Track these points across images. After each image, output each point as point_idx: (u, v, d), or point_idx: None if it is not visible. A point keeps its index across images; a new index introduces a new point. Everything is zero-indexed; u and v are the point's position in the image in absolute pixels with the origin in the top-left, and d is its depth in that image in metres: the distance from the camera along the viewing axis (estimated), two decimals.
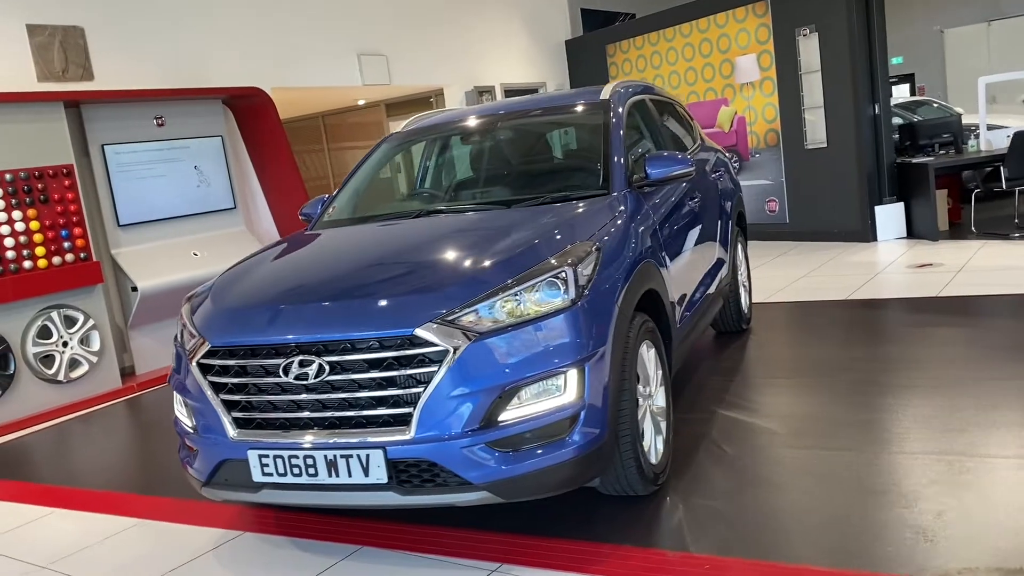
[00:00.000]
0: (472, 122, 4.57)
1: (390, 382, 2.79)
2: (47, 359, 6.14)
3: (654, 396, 3.44)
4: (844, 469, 3.37)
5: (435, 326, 2.76)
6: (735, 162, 10.06)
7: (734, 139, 10.23)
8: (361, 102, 11.50)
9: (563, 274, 2.92)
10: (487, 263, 3.00)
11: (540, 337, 2.83)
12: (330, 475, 2.84)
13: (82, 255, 6.33)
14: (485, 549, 3.11)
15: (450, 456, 2.75)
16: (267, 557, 3.34)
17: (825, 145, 9.22)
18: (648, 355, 3.43)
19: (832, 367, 4.77)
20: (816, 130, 9.29)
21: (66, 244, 6.25)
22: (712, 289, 4.77)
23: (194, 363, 3.09)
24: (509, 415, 2.78)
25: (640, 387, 3.31)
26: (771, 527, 3.02)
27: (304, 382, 2.85)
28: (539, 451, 2.81)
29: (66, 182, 6.27)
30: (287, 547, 3.40)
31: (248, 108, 7.82)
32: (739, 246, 5.70)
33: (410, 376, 2.77)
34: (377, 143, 4.63)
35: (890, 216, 8.95)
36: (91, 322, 6.33)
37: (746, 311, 5.74)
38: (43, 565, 3.56)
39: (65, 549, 3.69)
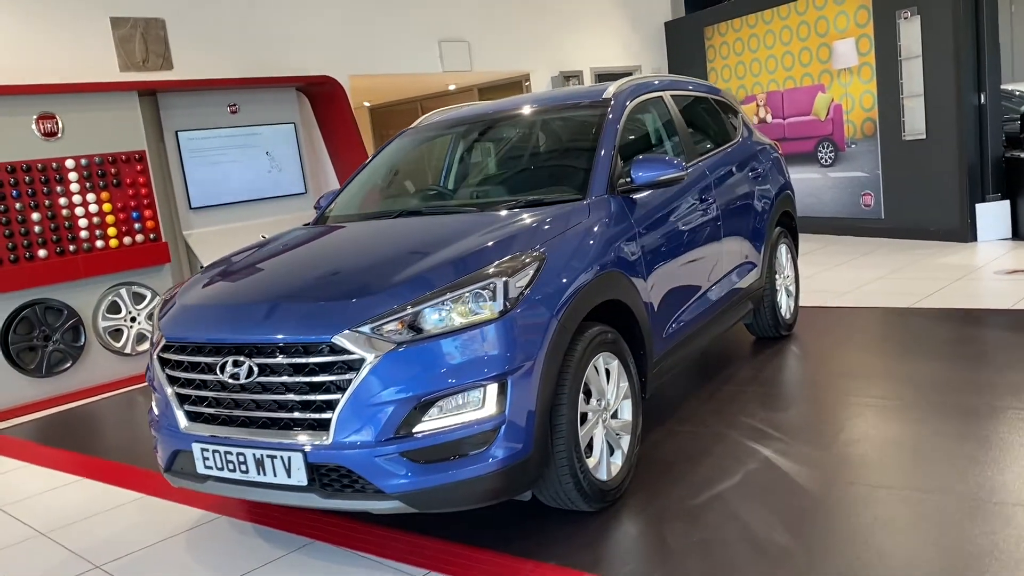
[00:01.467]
0: (474, 122, 4.54)
1: (313, 387, 2.84)
2: (116, 333, 6.57)
3: (613, 410, 3.34)
4: (835, 507, 3.18)
5: (353, 334, 2.78)
6: (830, 152, 9.58)
7: (830, 128, 9.70)
8: (452, 87, 11.60)
9: (491, 285, 2.88)
10: (416, 271, 2.99)
11: (460, 349, 2.80)
12: (258, 473, 2.93)
13: (151, 236, 6.73)
14: (420, 554, 3.13)
15: (364, 464, 2.77)
16: (229, 542, 3.48)
17: (924, 136, 8.60)
18: (612, 366, 3.34)
19: (853, 384, 4.48)
20: (915, 120, 8.67)
21: (136, 225, 6.65)
22: (729, 294, 4.57)
23: (154, 356, 3.24)
24: (425, 426, 2.78)
25: (593, 401, 3.24)
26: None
27: (238, 381, 2.94)
28: (455, 464, 2.79)
29: (138, 167, 6.66)
30: (250, 534, 3.53)
31: (322, 95, 8.05)
32: (783, 247, 5.42)
33: (331, 382, 2.81)
34: (389, 140, 4.67)
35: (993, 215, 8.28)
36: (158, 299, 6.72)
37: (787, 316, 5.46)
38: (43, 532, 3.84)
39: (69, 517, 3.97)
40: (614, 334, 3.35)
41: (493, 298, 2.87)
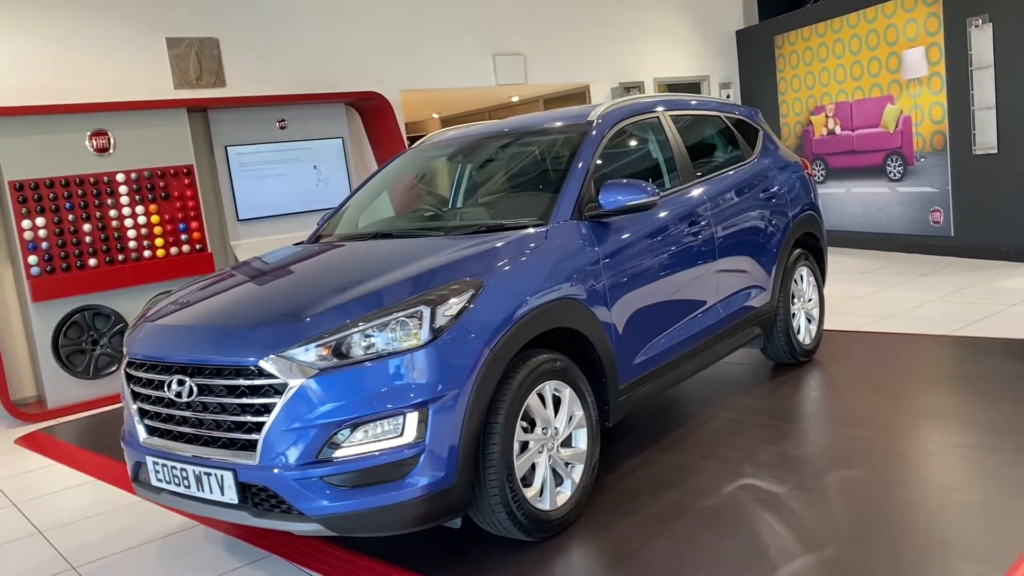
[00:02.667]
0: (463, 144, 4.56)
1: (243, 409, 2.93)
2: None
3: (562, 439, 3.31)
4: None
5: (278, 359, 2.85)
6: (899, 166, 9.18)
7: (899, 141, 9.29)
8: (515, 99, 11.66)
9: (417, 314, 2.90)
10: (347, 297, 3.03)
11: (381, 377, 2.83)
12: (198, 489, 3.03)
13: (197, 247, 7.03)
14: (357, 575, 3.17)
15: (286, 486, 2.84)
16: (194, 551, 3.62)
17: (995, 151, 8.13)
18: (563, 394, 3.32)
19: (858, 419, 4.28)
20: (986, 133, 8.21)
21: (183, 236, 6.97)
22: (728, 318, 4.45)
23: (122, 370, 3.41)
24: (344, 452, 2.82)
25: (538, 430, 3.21)
26: None
27: (181, 399, 3.06)
28: (374, 490, 2.82)
29: (186, 180, 6.98)
30: (217, 544, 3.66)
31: (371, 110, 8.23)
32: (803, 270, 5.23)
33: (259, 405, 2.89)
34: (390, 159, 4.75)
35: None
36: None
37: (807, 342, 5.26)
38: (40, 530, 4.08)
39: (69, 517, 4.20)
40: (564, 362, 3.31)
41: (419, 327, 2.88)
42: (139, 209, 6.77)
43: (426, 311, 2.91)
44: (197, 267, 7.00)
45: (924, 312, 6.39)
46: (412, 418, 2.83)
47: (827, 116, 10.28)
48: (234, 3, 7.64)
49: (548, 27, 9.81)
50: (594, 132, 3.97)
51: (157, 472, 3.18)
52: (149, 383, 3.22)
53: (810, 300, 5.37)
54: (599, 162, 4.04)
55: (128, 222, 6.72)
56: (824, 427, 4.23)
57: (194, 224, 7.03)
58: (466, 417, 2.90)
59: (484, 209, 4.13)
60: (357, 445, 2.82)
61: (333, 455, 2.82)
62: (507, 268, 3.23)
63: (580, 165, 3.80)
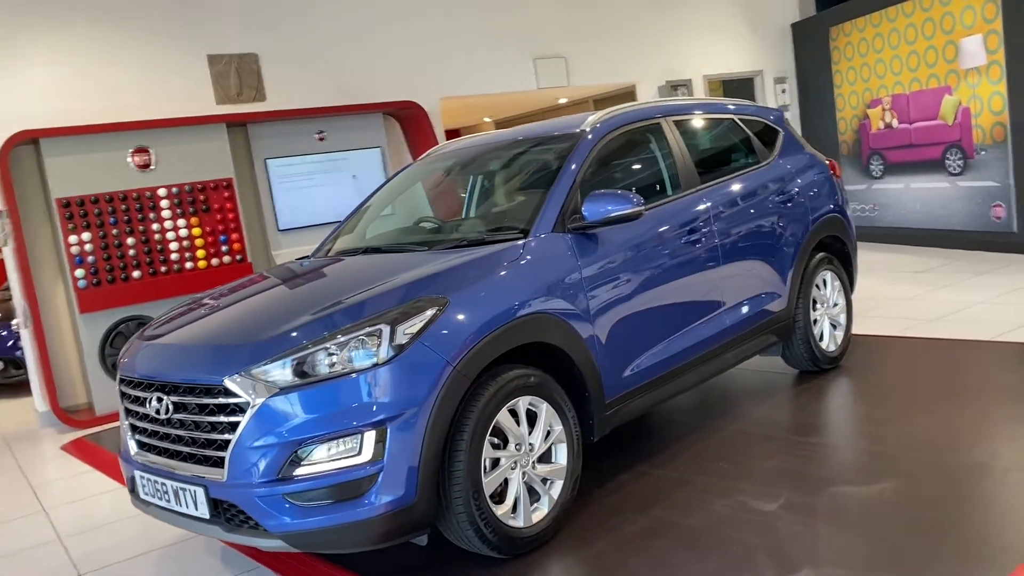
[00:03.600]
0: (459, 157, 4.57)
1: (213, 426, 3.00)
2: None
3: (538, 454, 3.28)
4: None
5: (241, 378, 2.91)
6: (959, 160, 8.79)
7: (958, 133, 8.88)
8: (563, 100, 11.62)
9: (377, 332, 2.92)
10: (312, 317, 3.07)
11: (339, 396, 2.86)
12: (177, 504, 3.13)
13: (238, 257, 7.24)
14: None
15: (250, 503, 2.90)
16: (192, 561, 3.73)
17: None
18: (540, 409, 3.29)
19: (872, 435, 4.12)
20: None
21: (224, 247, 7.18)
22: (736, 327, 4.34)
23: (117, 387, 3.53)
24: (304, 470, 2.86)
25: (511, 446, 3.20)
26: None
27: (160, 416, 3.16)
28: (334, 508, 2.86)
29: (225, 193, 7.19)
30: (215, 554, 3.76)
31: (410, 119, 8.32)
32: (827, 275, 5.06)
33: (227, 423, 2.96)
34: (396, 172, 4.80)
35: None
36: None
37: (831, 349, 5.08)
38: (61, 536, 4.26)
39: (90, 524, 4.38)
40: (540, 377, 3.29)
41: (378, 345, 2.91)
42: (180, 222, 7.00)
43: (386, 329, 2.92)
44: (238, 277, 7.13)
45: (974, 314, 6.09)
46: (370, 437, 2.85)
47: (883, 109, 9.91)
48: (273, 19, 7.83)
49: (590, 28, 9.73)
50: (583, 142, 3.92)
51: (144, 486, 3.29)
52: (136, 400, 3.33)
53: (835, 305, 5.18)
54: (592, 172, 4.00)
55: (170, 235, 6.96)
56: (835, 441, 4.08)
57: (234, 235, 7.23)
58: (427, 435, 2.91)
59: (471, 222, 4.12)
60: (317, 463, 2.86)
61: (294, 473, 2.86)
62: (476, 285, 3.22)
63: (565, 176, 3.77)
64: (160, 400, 3.15)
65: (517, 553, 3.20)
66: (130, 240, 6.79)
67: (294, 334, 2.99)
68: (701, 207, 4.24)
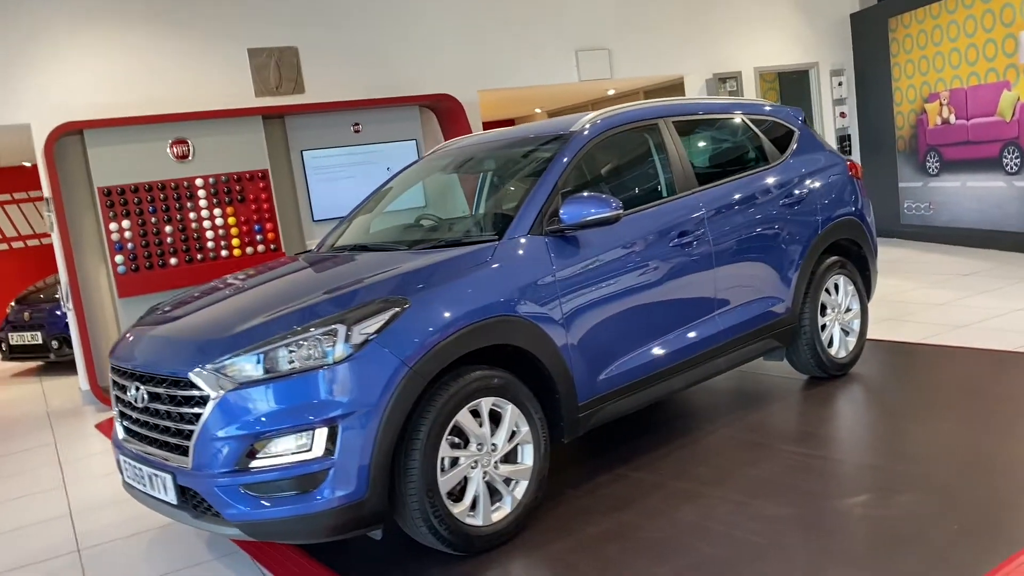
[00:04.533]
0: (458, 156, 4.60)
1: (181, 417, 3.13)
2: None
3: (502, 455, 3.32)
4: None
5: (203, 371, 3.03)
6: (1016, 158, 8.44)
7: (1016, 130, 8.52)
8: (611, 92, 11.53)
9: (334, 331, 3.00)
10: (277, 314, 3.16)
11: (294, 393, 2.95)
12: (151, 488, 3.28)
13: (272, 246, 7.44)
14: None
15: (211, 492, 3.01)
16: (179, 542, 3.87)
17: None
18: (505, 410, 3.33)
19: (864, 446, 4.02)
20: None
21: (258, 237, 7.40)
22: (731, 330, 4.29)
23: (110, 376, 3.71)
24: (260, 463, 2.96)
25: (472, 446, 3.24)
26: None
27: (138, 404, 3.31)
28: (286, 500, 2.96)
29: (261, 184, 7.39)
30: (202, 536, 3.89)
31: (445, 111, 8.39)
32: (840, 279, 4.94)
33: (192, 414, 3.08)
34: (400, 170, 4.87)
35: None
36: None
37: (841, 356, 4.95)
38: (73, 512, 4.49)
39: (101, 502, 4.59)
40: (504, 378, 3.32)
41: (333, 344, 2.98)
42: (216, 211, 7.24)
43: (341, 329, 3.00)
44: None
45: (1004, 323, 5.86)
46: (321, 433, 2.93)
47: (941, 104, 9.55)
48: (313, 12, 7.98)
49: (635, 18, 9.62)
50: (569, 145, 3.92)
51: (126, 470, 3.45)
52: (121, 387, 3.49)
53: (849, 311, 5.06)
54: (580, 174, 4.00)
55: (206, 224, 7.20)
56: (823, 451, 3.97)
57: (268, 225, 7.43)
58: (379, 434, 2.98)
59: (462, 221, 4.16)
60: (271, 456, 2.96)
61: (250, 464, 2.96)
62: (439, 286, 3.26)
63: (547, 179, 3.77)
64: (137, 388, 3.30)
65: (474, 551, 3.24)
66: (168, 228, 7.05)
67: (256, 331, 3.09)
68: (694, 210, 4.19)
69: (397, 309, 3.10)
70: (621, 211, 3.65)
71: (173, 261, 7.08)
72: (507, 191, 4.28)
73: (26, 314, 8.95)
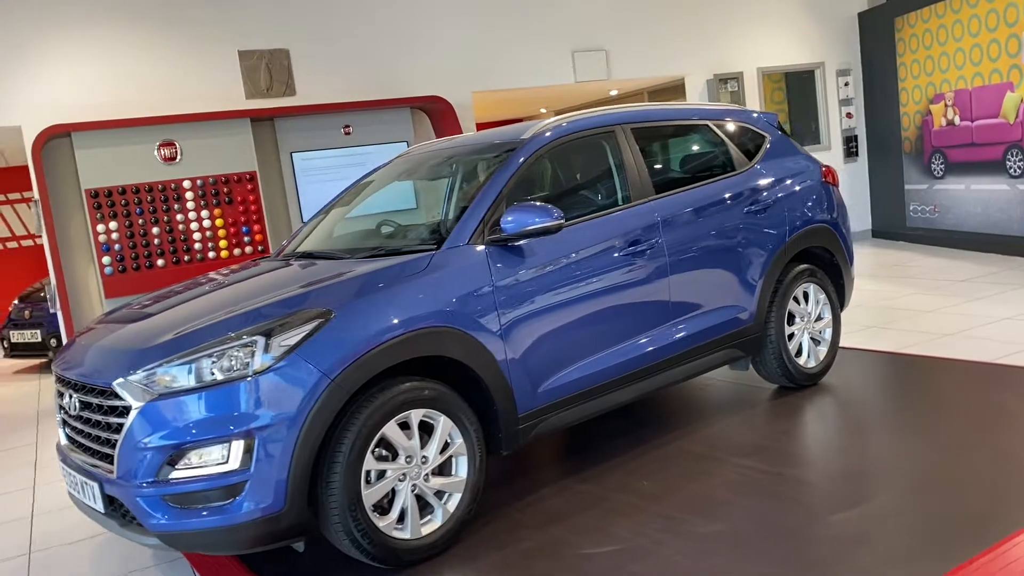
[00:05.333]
0: (415, 163, 4.58)
1: (107, 426, 3.14)
2: None
3: (432, 467, 3.29)
4: None
5: (126, 382, 3.04)
6: (1020, 161, 8.27)
7: (1020, 133, 8.34)
8: (613, 92, 11.45)
9: (252, 343, 2.99)
10: (200, 324, 3.15)
11: (211, 405, 2.94)
12: (83, 495, 3.30)
13: (260, 248, 7.48)
14: None
15: (132, 501, 3.02)
16: (126, 547, 3.90)
17: None
18: (437, 421, 3.30)
19: (817, 462, 3.94)
20: None
21: (246, 238, 7.44)
22: (688, 339, 4.23)
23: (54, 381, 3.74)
24: (178, 474, 2.96)
25: (401, 459, 3.22)
26: None
27: (72, 412, 3.33)
28: (204, 512, 2.96)
29: (248, 186, 7.43)
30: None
31: (437, 113, 8.38)
32: (810, 288, 4.86)
33: (116, 424, 3.09)
34: (363, 176, 4.86)
35: None
36: None
37: (810, 366, 4.87)
38: (36, 513, 4.53)
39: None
40: (435, 390, 3.30)
41: (251, 357, 2.98)
42: (204, 213, 7.29)
43: (260, 341, 2.99)
44: None
45: (989, 332, 5.73)
46: (237, 446, 2.93)
47: (946, 105, 9.37)
48: (304, 14, 8.01)
49: (634, 18, 9.54)
50: (516, 153, 3.88)
51: (64, 477, 3.47)
52: (60, 394, 3.52)
53: (821, 319, 4.97)
54: (528, 183, 3.96)
55: (194, 225, 7.26)
56: (775, 465, 3.87)
57: (256, 227, 7.47)
58: (297, 447, 2.97)
59: (411, 229, 4.14)
60: (190, 468, 2.96)
61: (169, 476, 2.97)
62: (366, 297, 3.25)
63: (491, 187, 3.74)
64: (71, 396, 3.32)
65: (400, 564, 3.22)
66: (155, 230, 7.12)
67: (178, 342, 3.08)
68: (647, 218, 4.14)
69: (320, 321, 3.09)
70: (563, 221, 3.62)
71: (160, 262, 7.14)
72: (456, 199, 4.26)
73: (27, 312, 9.09)
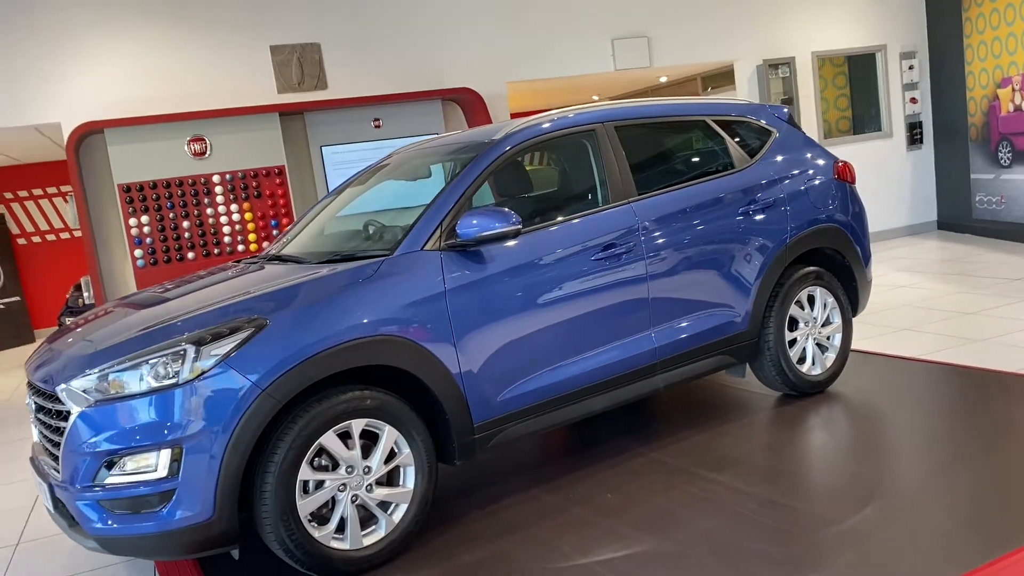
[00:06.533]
0: (399, 162, 4.51)
1: (56, 429, 3.20)
2: None
3: (376, 477, 3.25)
4: None
5: (67, 388, 3.08)
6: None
7: None
8: (663, 79, 11.16)
9: (182, 352, 2.99)
10: (139, 332, 3.17)
11: (141, 413, 2.96)
12: (41, 495, 3.38)
13: None
14: None
15: (73, 505, 3.08)
16: None
17: None
18: (382, 431, 3.26)
19: (798, 479, 3.74)
20: None
21: (275, 232, 7.54)
22: (671, 346, 4.08)
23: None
24: (113, 479, 3.00)
25: (342, 469, 3.19)
26: None
27: (32, 414, 3.42)
28: (136, 518, 2.99)
29: (277, 180, 7.52)
30: None
31: (469, 104, 8.31)
32: (816, 291, 4.62)
33: (62, 427, 3.15)
34: (351, 176, 4.84)
35: None
36: None
37: (815, 373, 4.63)
38: (37, 504, 4.70)
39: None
40: (379, 399, 3.25)
41: (181, 365, 2.98)
42: (233, 207, 7.42)
43: (190, 350, 2.99)
44: None
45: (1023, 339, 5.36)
46: (165, 454, 2.94)
47: (1014, 89, 8.80)
48: (336, 7, 8.03)
49: (677, 2, 9.25)
50: (481, 157, 3.79)
51: (32, 475, 3.57)
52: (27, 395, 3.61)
53: (830, 324, 4.72)
54: (502, 185, 3.87)
55: (223, 219, 7.39)
56: (747, 483, 3.62)
57: (285, 220, 7.56)
58: (225, 457, 2.96)
59: (387, 231, 4.08)
60: (123, 474, 2.99)
61: (105, 481, 3.01)
62: (308, 305, 3.21)
63: (452, 191, 3.66)
64: (29, 398, 3.41)
65: (337, 574, 3.19)
66: (185, 223, 7.28)
67: (118, 349, 3.11)
68: (625, 221, 3.98)
69: (252, 330, 3.07)
70: (520, 226, 3.52)
71: (191, 255, 7.30)
72: (422, 203, 4.17)
73: (80, 300, 9.45)
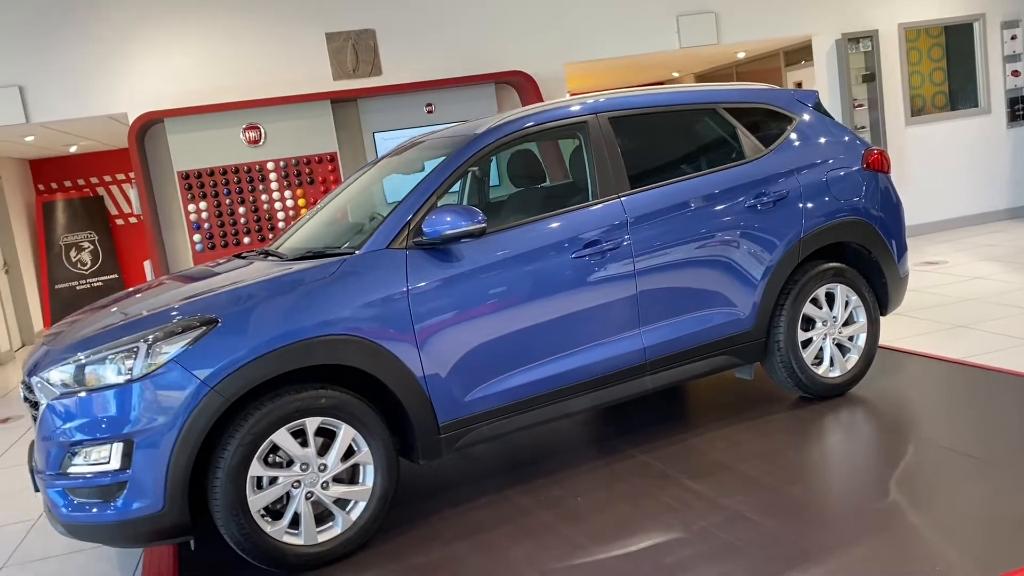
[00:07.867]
0: (395, 154, 4.49)
1: (35, 419, 3.37)
2: None
3: (333, 474, 3.28)
4: None
5: (39, 379, 3.24)
6: None
7: None
8: (741, 55, 10.71)
9: (134, 349, 3.08)
10: (100, 328, 3.28)
11: (96, 407, 3.08)
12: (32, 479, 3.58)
13: None
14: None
15: (45, 491, 3.25)
16: None
17: None
18: (340, 430, 3.29)
19: (781, 491, 3.55)
20: None
21: None
22: (666, 344, 3.94)
23: None
24: (76, 469, 3.13)
25: (296, 467, 3.24)
26: None
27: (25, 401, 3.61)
28: (94, 507, 3.12)
29: (329, 166, 7.66)
30: None
31: (523, 87, 8.22)
32: (837, 289, 4.37)
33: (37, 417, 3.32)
34: (359, 169, 4.85)
35: None
36: None
37: (833, 375, 4.37)
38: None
39: None
40: (333, 398, 3.26)
41: (133, 362, 3.08)
42: (287, 193, 7.60)
43: (142, 347, 3.08)
44: None
45: None
46: (117, 448, 3.05)
47: None
48: None
49: None
50: (458, 153, 3.73)
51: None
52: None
53: (853, 323, 4.45)
54: (483, 181, 3.80)
55: (277, 205, 7.59)
56: (725, 494, 3.45)
57: None
58: (174, 452, 3.04)
59: (346, 233, 4.08)
60: (83, 465, 3.12)
61: (69, 470, 3.15)
62: (262, 304, 3.24)
63: (422, 189, 3.63)
64: (22, 386, 3.60)
65: (288, 569, 3.24)
66: (241, 209, 7.51)
67: (83, 343, 3.23)
68: (612, 217, 3.84)
69: (203, 328, 3.13)
70: (485, 224, 3.45)
71: (246, 240, 7.53)
72: (395, 200, 4.15)
73: None
